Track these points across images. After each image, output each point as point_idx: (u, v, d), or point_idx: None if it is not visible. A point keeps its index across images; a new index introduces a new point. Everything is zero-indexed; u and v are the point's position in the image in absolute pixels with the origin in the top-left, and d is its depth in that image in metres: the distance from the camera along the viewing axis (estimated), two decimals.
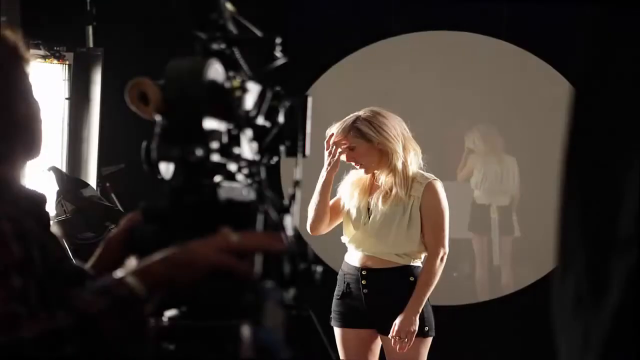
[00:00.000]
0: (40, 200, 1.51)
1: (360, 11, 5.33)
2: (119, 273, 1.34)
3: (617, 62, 1.00)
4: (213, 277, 1.33)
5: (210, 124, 1.37)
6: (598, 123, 1.01)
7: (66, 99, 4.99)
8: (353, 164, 3.46)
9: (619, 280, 0.96)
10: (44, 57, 4.83)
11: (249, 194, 1.42)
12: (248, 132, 1.43)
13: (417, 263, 3.46)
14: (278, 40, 1.47)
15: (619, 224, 0.95)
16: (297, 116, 1.48)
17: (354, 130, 3.41)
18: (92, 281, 1.44)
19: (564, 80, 5.05)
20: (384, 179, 3.44)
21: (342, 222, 3.57)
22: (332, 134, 3.44)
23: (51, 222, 1.55)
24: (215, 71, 1.39)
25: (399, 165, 3.41)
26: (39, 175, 4.34)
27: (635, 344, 0.96)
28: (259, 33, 1.47)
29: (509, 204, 5.43)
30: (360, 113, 3.45)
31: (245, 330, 1.36)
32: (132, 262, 1.37)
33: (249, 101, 1.43)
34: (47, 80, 4.85)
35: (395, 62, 5.30)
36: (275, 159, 1.46)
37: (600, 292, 0.98)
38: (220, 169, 1.39)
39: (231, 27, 1.44)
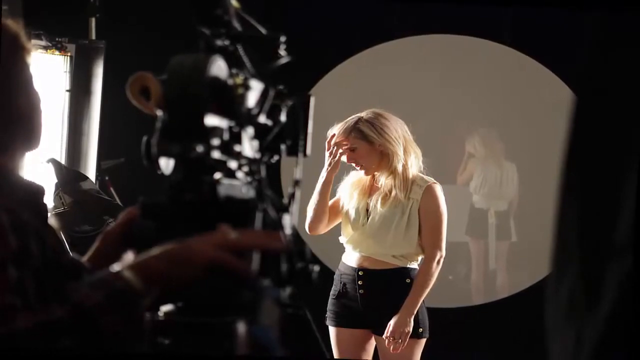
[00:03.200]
0: (38, 192, 1.51)
1: (362, 13, 5.33)
2: (116, 267, 1.33)
3: (617, 66, 1.00)
4: (211, 274, 1.33)
5: (211, 120, 1.37)
6: (597, 128, 1.00)
7: (67, 91, 4.98)
8: (353, 165, 3.46)
9: (613, 287, 0.96)
10: (46, 48, 4.82)
11: (248, 192, 1.42)
12: (249, 130, 1.43)
13: (414, 265, 3.47)
14: (282, 39, 1.46)
15: (616, 230, 0.95)
16: (299, 116, 1.48)
17: (355, 131, 3.41)
18: (89, 274, 1.44)
19: (564, 85, 5.05)
20: (383, 180, 3.45)
21: (340, 223, 3.57)
22: (334, 134, 3.44)
23: (49, 215, 1.55)
24: (218, 68, 1.39)
25: (399, 168, 3.41)
26: (38, 167, 4.34)
27: (627, 349, 0.96)
28: (263, 30, 1.47)
29: (507, 209, 5.44)
30: (362, 114, 3.45)
31: (241, 328, 1.36)
32: (129, 257, 1.37)
33: (252, 99, 1.42)
34: (48, 71, 4.84)
35: (397, 64, 5.30)
36: (275, 157, 1.46)
37: (594, 298, 0.98)
38: (221, 166, 1.39)
39: (235, 24, 1.44)
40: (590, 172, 1.02)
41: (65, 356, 1.26)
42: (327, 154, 3.45)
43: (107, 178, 4.89)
